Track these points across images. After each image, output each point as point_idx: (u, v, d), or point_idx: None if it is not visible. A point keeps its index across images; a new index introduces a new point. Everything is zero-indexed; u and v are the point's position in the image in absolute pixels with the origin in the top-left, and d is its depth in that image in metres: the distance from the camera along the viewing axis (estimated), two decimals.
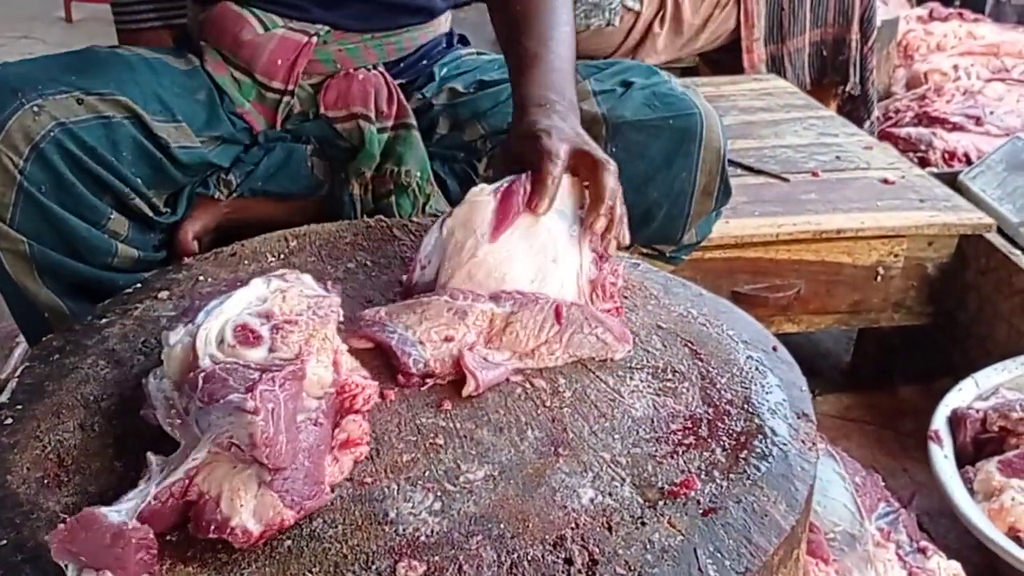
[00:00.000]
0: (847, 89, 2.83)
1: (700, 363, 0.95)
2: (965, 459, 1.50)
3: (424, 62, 1.46)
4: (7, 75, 1.12)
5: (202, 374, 0.74)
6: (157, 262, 1.27)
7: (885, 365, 2.02)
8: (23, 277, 1.14)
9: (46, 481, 0.79)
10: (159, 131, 1.20)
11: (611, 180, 1.02)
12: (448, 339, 0.92)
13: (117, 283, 1.20)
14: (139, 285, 1.09)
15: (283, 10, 1.33)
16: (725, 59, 2.78)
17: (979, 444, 1.51)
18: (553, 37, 1.20)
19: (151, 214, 1.23)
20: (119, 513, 0.70)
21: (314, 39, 1.34)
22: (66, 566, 0.67)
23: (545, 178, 0.99)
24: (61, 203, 1.12)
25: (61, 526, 0.67)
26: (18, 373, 0.93)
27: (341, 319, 0.89)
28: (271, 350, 0.79)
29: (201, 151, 1.26)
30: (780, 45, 2.77)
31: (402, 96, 1.38)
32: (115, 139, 1.15)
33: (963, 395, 1.60)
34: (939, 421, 1.54)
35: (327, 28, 1.35)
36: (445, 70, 1.46)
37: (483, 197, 1.00)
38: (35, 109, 1.09)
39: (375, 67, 1.38)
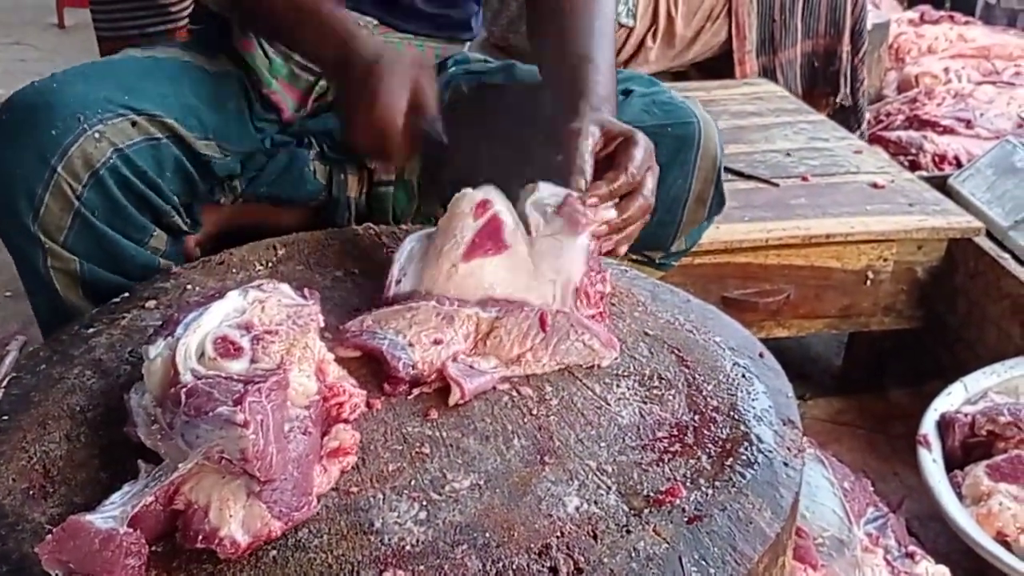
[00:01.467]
0: (838, 100, 2.83)
1: (687, 370, 0.95)
2: (954, 463, 1.51)
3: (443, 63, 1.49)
4: (66, 97, 1.11)
5: (184, 389, 0.74)
6: None
7: (876, 369, 2.03)
8: (69, 293, 1.16)
9: (31, 492, 0.79)
10: (199, 148, 1.22)
11: (639, 153, 1.04)
12: (437, 342, 0.92)
13: None
14: (126, 295, 1.09)
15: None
16: (716, 66, 2.79)
17: (968, 448, 1.51)
18: (598, 33, 1.22)
19: (185, 228, 1.25)
20: (105, 519, 0.70)
21: (366, 29, 1.34)
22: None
23: (573, 153, 1.01)
24: (112, 224, 1.14)
25: (48, 536, 0.68)
26: (4, 383, 0.93)
27: (322, 326, 0.89)
28: (252, 361, 0.80)
29: (231, 163, 1.29)
30: (772, 56, 2.78)
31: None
32: (160, 159, 1.17)
33: (952, 399, 1.61)
34: (928, 425, 1.55)
35: (375, 22, 1.36)
36: (455, 68, 1.48)
37: (465, 210, 1.00)
38: (96, 135, 1.10)
39: None
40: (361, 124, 1.11)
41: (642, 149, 1.04)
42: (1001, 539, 1.35)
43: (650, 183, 1.05)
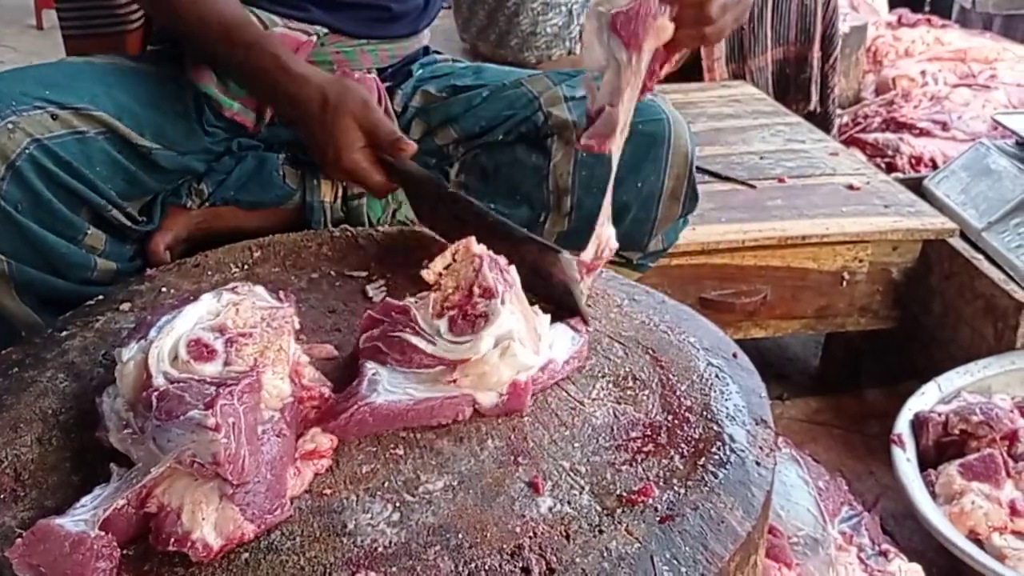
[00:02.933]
0: (810, 108, 2.83)
1: (661, 370, 0.96)
2: (928, 462, 1.52)
3: (406, 68, 1.49)
4: None
5: (155, 393, 0.73)
6: (134, 272, 1.27)
7: (852, 369, 2.05)
8: (1, 295, 1.13)
9: (2, 496, 0.78)
10: (138, 141, 1.19)
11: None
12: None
13: (96, 297, 1.19)
14: (101, 297, 1.09)
15: (283, 9, 1.33)
16: (688, 70, 2.79)
17: (941, 447, 1.53)
18: None
19: (129, 224, 1.23)
20: (76, 522, 0.70)
21: (313, 38, 1.34)
22: None
23: None
24: (38, 220, 1.11)
25: (19, 541, 0.67)
26: None
27: (298, 328, 0.89)
28: (226, 364, 0.79)
29: (179, 158, 1.27)
30: (742, 64, 2.78)
31: (390, 103, 1.39)
32: (89, 153, 1.15)
33: (926, 399, 1.62)
34: (902, 425, 1.56)
35: (325, 31, 1.36)
36: (421, 71, 1.48)
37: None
38: (9, 126, 1.08)
39: (369, 71, 1.40)
40: (331, 169, 1.17)
41: None
42: (973, 537, 1.37)
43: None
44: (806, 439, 1.82)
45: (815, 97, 2.83)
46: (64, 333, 1.01)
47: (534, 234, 1.11)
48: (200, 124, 1.31)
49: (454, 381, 0.86)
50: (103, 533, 0.69)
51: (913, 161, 2.75)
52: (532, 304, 0.95)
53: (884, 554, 1.26)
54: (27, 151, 1.08)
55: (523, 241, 1.06)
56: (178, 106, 1.28)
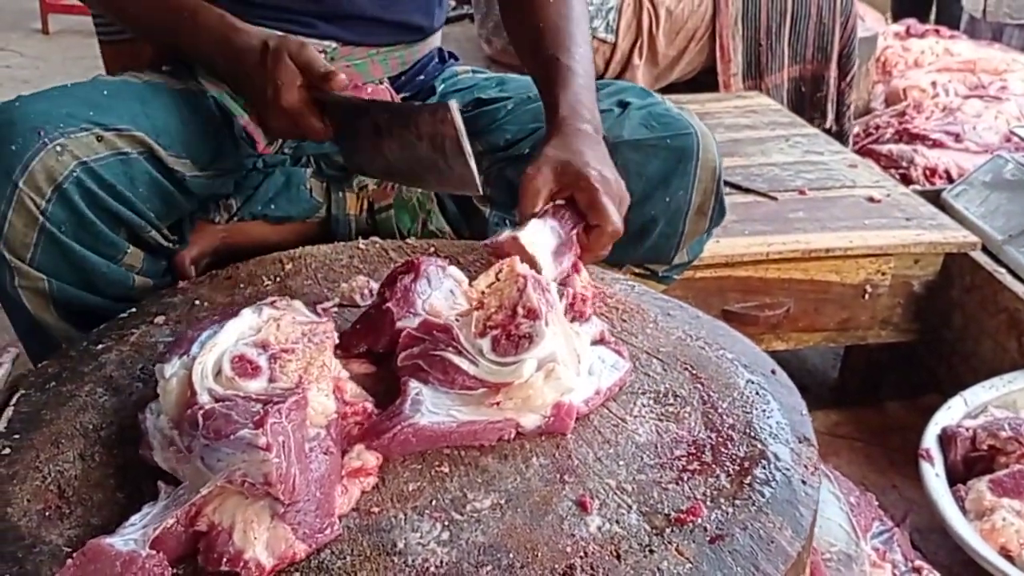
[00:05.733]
0: (826, 126, 2.83)
1: (701, 387, 0.95)
2: (956, 477, 1.52)
3: (422, 76, 1.48)
4: (27, 112, 1.10)
5: (201, 411, 0.73)
6: (164, 287, 1.26)
7: (872, 382, 2.04)
8: (41, 312, 1.14)
9: (47, 513, 0.77)
10: (173, 164, 1.19)
11: (607, 202, 1.07)
12: None
13: None
14: (134, 310, 1.08)
15: (290, 26, 1.33)
16: (705, 80, 2.79)
17: (969, 463, 1.52)
18: (578, 51, 1.24)
19: (164, 244, 1.23)
20: (127, 541, 0.69)
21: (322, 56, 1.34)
22: None
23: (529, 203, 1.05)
24: (80, 240, 1.11)
25: (69, 561, 0.67)
26: (14, 401, 0.92)
27: (337, 343, 0.89)
28: (270, 380, 0.79)
29: (209, 183, 1.27)
30: (759, 80, 2.78)
31: None
32: (132, 175, 1.15)
33: (952, 413, 1.62)
34: (930, 439, 1.55)
35: (334, 45, 1.36)
36: (443, 86, 1.48)
37: None
38: (58, 149, 1.08)
39: (381, 82, 1.39)
40: (271, 113, 1.17)
41: (605, 196, 1.06)
42: (1004, 553, 1.36)
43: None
44: (828, 452, 1.81)
45: (831, 115, 2.83)
46: (100, 346, 1.01)
47: None
48: (230, 139, 1.30)
49: (497, 404, 0.85)
50: (154, 552, 0.69)
51: (928, 172, 2.74)
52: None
53: (918, 571, 1.26)
54: (74, 174, 1.08)
55: (418, 112, 1.15)
56: (209, 123, 1.28)
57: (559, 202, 1.07)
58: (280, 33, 1.19)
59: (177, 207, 1.24)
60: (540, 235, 1.02)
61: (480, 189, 1.13)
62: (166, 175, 1.19)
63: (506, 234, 1.02)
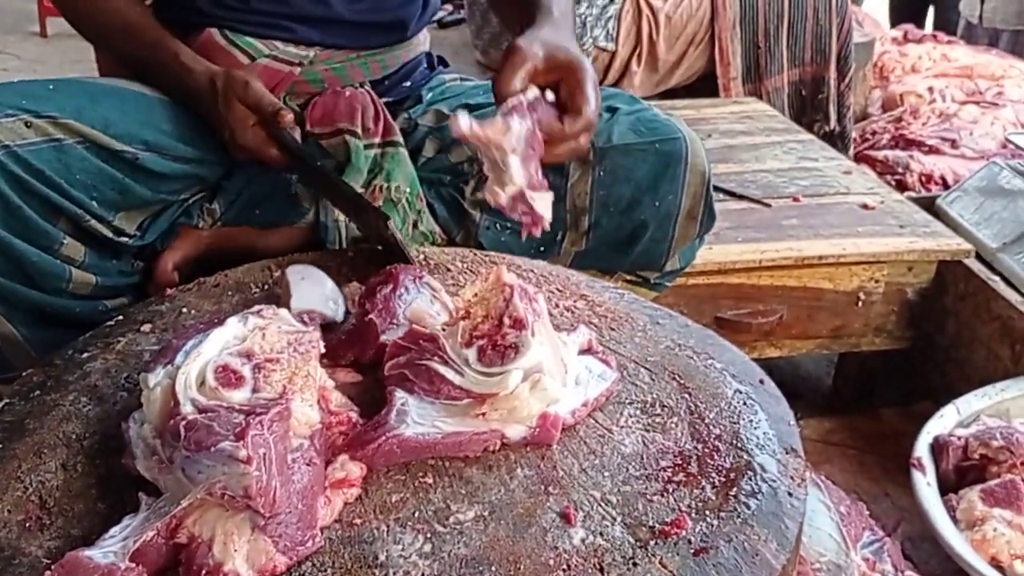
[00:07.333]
0: (829, 128, 2.83)
1: (688, 397, 0.95)
2: (947, 486, 1.51)
3: (407, 83, 1.48)
4: None
5: (183, 422, 0.72)
6: (125, 288, 1.26)
7: (865, 389, 2.03)
8: None
9: (28, 524, 0.77)
10: (117, 147, 1.18)
11: (591, 89, 1.06)
12: None
13: (74, 309, 1.18)
14: (120, 318, 1.08)
15: (269, 31, 1.33)
16: (703, 86, 2.80)
17: (961, 472, 1.52)
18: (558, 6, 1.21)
19: (113, 237, 1.21)
20: (106, 553, 0.69)
21: (296, 70, 1.35)
22: None
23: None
24: (9, 228, 1.10)
25: (47, 573, 0.66)
26: None
27: (322, 352, 0.89)
28: (254, 390, 0.79)
29: (175, 164, 1.26)
30: (758, 84, 2.78)
31: (388, 114, 1.38)
32: (67, 162, 1.14)
33: (944, 422, 1.61)
34: (921, 448, 1.55)
35: (313, 51, 1.35)
36: (431, 94, 1.48)
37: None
38: None
39: (362, 85, 1.39)
40: (231, 149, 1.25)
41: (591, 83, 1.05)
42: (995, 564, 1.35)
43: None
44: (820, 460, 1.81)
45: (834, 117, 2.83)
46: (85, 355, 1.00)
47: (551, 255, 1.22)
48: (203, 131, 1.30)
49: (483, 415, 0.85)
50: (133, 565, 0.68)
51: (923, 179, 2.74)
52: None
53: None
54: None
55: (364, 208, 1.22)
56: (179, 119, 1.28)
57: (535, 93, 1.03)
58: (222, 70, 1.24)
59: (137, 196, 1.22)
60: (515, 130, 1.00)
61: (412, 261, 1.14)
62: (116, 162, 1.18)
63: (488, 120, 0.99)
